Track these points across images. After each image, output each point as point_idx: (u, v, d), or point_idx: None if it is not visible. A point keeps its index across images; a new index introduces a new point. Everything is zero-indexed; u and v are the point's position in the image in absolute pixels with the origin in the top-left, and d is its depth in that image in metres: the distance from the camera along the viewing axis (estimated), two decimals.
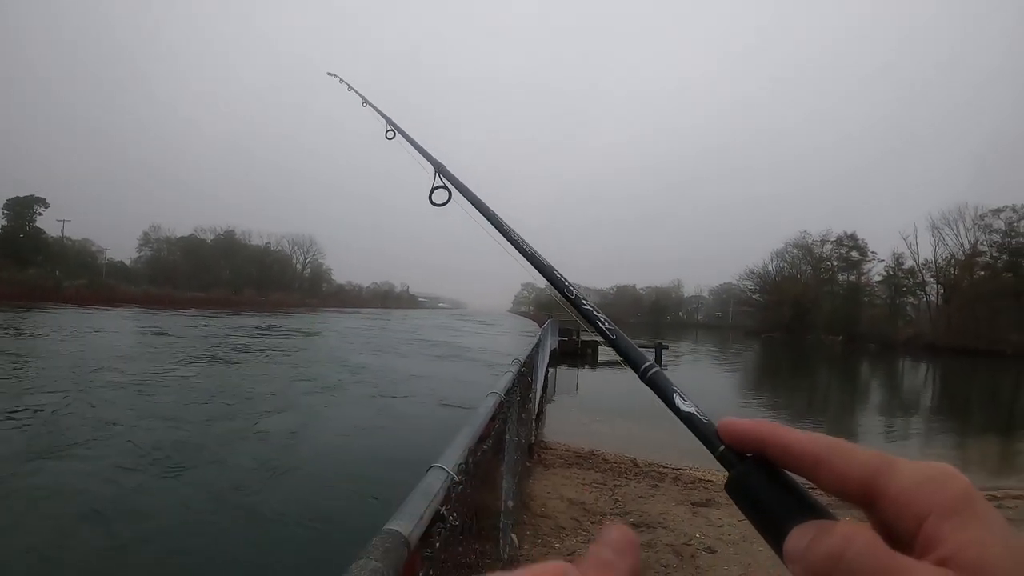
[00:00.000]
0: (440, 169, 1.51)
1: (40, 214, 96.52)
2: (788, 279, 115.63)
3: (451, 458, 2.16)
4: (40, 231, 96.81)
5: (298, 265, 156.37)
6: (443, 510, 1.98)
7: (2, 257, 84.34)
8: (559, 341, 34.58)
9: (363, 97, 2.56)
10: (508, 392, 4.89)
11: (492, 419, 3.68)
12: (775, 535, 0.47)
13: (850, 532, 0.39)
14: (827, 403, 29.55)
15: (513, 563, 5.01)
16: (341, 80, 2.96)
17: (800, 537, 0.42)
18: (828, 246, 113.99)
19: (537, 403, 13.33)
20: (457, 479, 2.14)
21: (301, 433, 13.66)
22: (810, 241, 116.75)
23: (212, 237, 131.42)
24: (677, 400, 0.57)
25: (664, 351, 39.59)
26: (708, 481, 10.05)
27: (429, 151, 1.72)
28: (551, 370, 23.27)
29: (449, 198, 1.48)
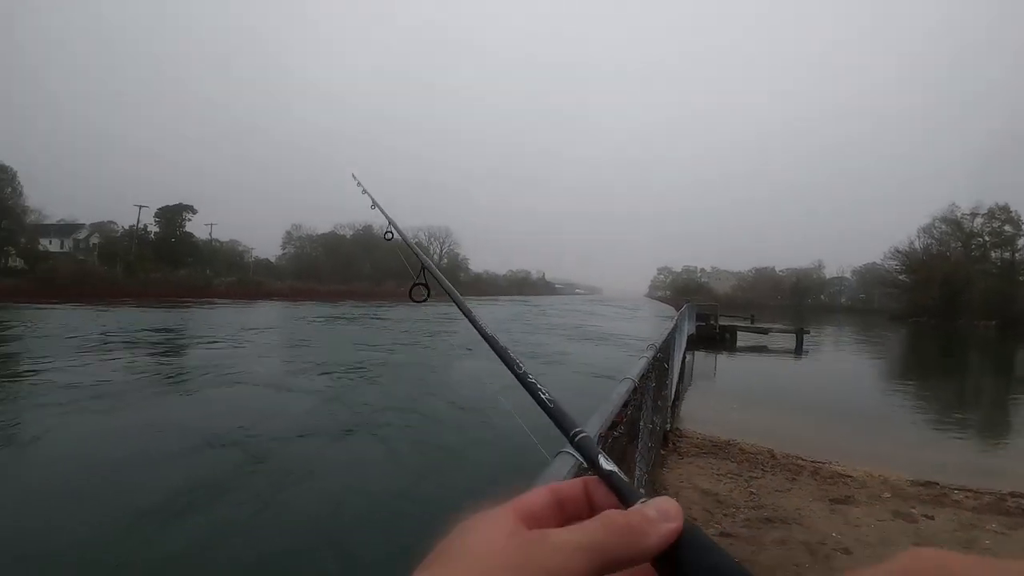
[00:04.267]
0: (428, 267, 1.63)
1: (189, 219, 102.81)
2: (936, 257, 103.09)
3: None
4: (190, 235, 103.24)
5: (435, 256, 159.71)
6: None
7: (157, 260, 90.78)
8: (697, 326, 34.09)
9: (373, 200, 2.69)
10: (643, 378, 4.84)
11: (625, 405, 3.71)
12: None
13: None
14: (979, 395, 27.06)
15: None
16: (358, 183, 3.08)
17: None
18: (979, 220, 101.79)
19: (673, 389, 13.24)
20: (585, 465, 2.21)
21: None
22: (959, 215, 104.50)
23: (351, 233, 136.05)
24: (601, 460, 0.66)
25: (805, 336, 38.03)
26: (848, 477, 9.74)
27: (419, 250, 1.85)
28: (688, 356, 22.97)
29: (426, 298, 1.62)
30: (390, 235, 2.28)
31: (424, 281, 1.66)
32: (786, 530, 6.91)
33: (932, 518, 7.82)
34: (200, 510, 8.50)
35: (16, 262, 74.29)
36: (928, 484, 9.57)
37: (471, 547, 0.44)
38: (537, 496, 0.52)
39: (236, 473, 10.12)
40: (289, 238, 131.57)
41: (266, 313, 54.42)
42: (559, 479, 1.94)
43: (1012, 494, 9.25)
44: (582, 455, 0.68)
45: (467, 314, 1.06)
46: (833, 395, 21.31)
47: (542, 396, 0.76)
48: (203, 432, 12.50)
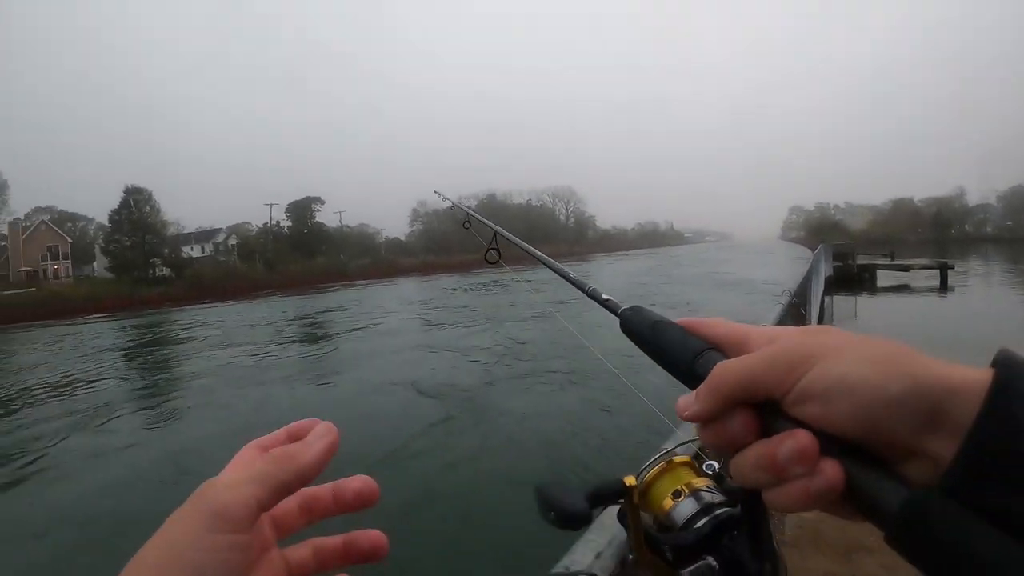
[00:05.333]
0: (497, 232, 1.95)
1: (318, 210, 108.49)
2: None
3: None
4: (321, 225, 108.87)
5: (561, 216, 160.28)
6: None
7: (293, 252, 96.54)
8: (833, 267, 32.84)
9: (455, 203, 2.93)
10: (778, 324, 4.83)
11: None
12: (670, 368, 0.59)
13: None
14: None
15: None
16: (444, 198, 3.33)
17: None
18: None
19: None
20: None
21: None
22: None
23: (475, 202, 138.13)
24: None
25: (950, 272, 35.52)
26: None
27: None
28: (827, 298, 22.41)
29: (498, 258, 1.99)
30: (468, 224, 2.56)
31: (496, 247, 1.98)
32: None
33: None
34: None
35: (163, 271, 79.85)
36: None
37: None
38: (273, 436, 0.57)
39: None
40: (415, 215, 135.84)
41: (408, 288, 57.65)
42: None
43: None
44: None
45: (556, 268, 1.15)
46: (985, 333, 20.37)
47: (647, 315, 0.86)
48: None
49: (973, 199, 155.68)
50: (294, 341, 27.89)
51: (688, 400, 0.51)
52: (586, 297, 0.83)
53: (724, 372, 0.49)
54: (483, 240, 2.07)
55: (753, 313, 20.00)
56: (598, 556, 2.68)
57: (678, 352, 0.56)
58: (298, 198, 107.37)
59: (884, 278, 36.58)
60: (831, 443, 0.43)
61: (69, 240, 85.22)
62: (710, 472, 0.85)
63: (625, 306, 0.69)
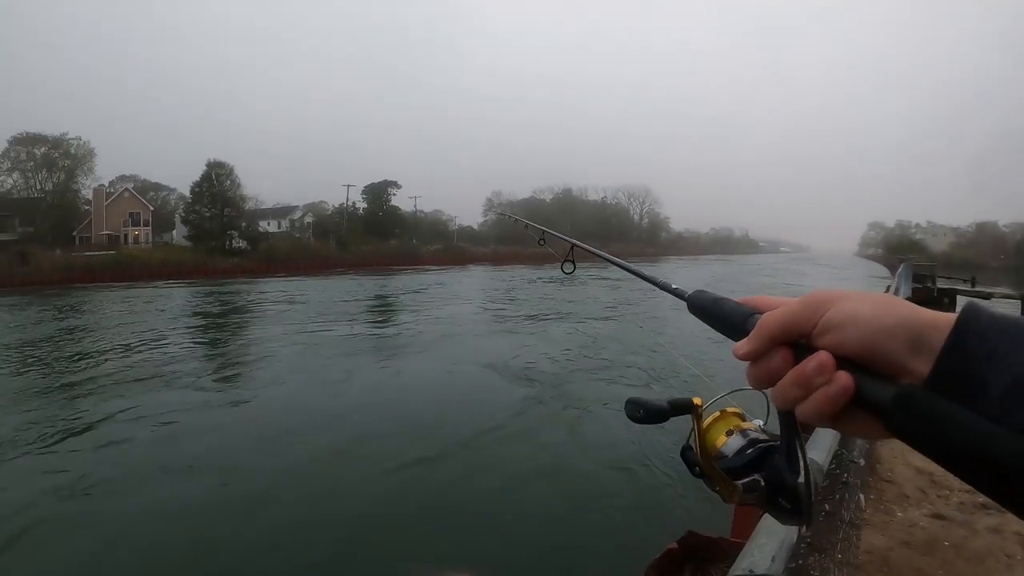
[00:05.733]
0: (575, 245, 2.16)
1: (394, 194, 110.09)
2: None
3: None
4: (396, 208, 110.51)
5: (635, 216, 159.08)
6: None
7: (367, 234, 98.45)
8: (912, 288, 32.07)
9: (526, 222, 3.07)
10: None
11: None
12: (728, 331, 0.78)
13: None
14: None
15: (854, 525, 5.27)
16: (516, 219, 3.45)
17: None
18: None
19: None
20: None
21: None
22: None
23: (550, 197, 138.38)
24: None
25: None
26: None
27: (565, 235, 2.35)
28: None
29: (573, 269, 2.23)
30: (542, 242, 2.68)
31: (572, 259, 2.14)
32: (1001, 518, 6.24)
33: None
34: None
35: (239, 243, 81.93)
36: None
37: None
38: None
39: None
40: (490, 204, 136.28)
41: (480, 276, 58.45)
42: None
43: None
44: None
45: (630, 269, 1.30)
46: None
47: (709, 295, 0.91)
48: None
49: None
50: (373, 318, 28.99)
51: (741, 343, 0.69)
52: (658, 289, 1.07)
53: (768, 319, 0.67)
54: (556, 252, 2.32)
55: None
56: (773, 559, 2.98)
57: (735, 317, 0.76)
58: (376, 181, 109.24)
59: (964, 304, 35.43)
60: (844, 362, 0.60)
61: (151, 208, 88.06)
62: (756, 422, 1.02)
63: (690, 291, 0.91)
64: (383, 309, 32.83)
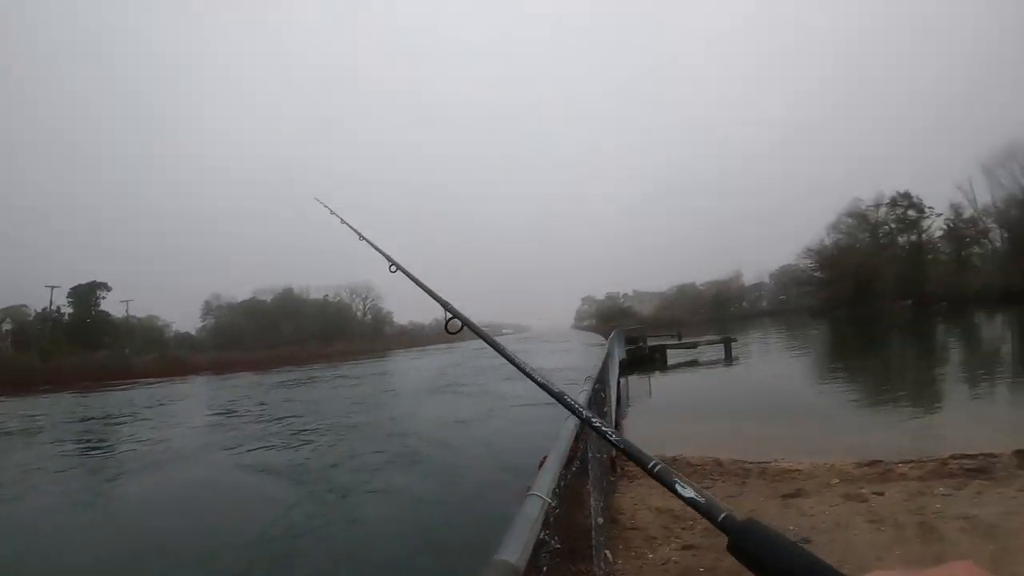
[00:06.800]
0: (447, 307, 1.81)
1: (104, 298, 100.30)
2: (846, 250, 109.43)
3: (544, 484, 2.26)
4: (106, 314, 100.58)
5: (358, 312, 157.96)
6: (544, 535, 2.10)
7: (72, 343, 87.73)
8: (627, 350, 34.57)
9: (357, 232, 2.63)
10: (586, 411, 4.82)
11: (575, 440, 3.74)
12: None
13: None
14: (903, 370, 28.75)
15: None
16: (332, 212, 2.97)
17: None
18: (883, 209, 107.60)
19: (613, 415, 13.38)
20: (553, 504, 2.27)
21: None
22: (863, 207, 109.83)
23: (271, 297, 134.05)
24: (678, 487, 0.76)
25: (733, 344, 39.33)
26: (795, 471, 9.98)
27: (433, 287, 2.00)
28: (622, 379, 23.18)
29: (461, 327, 1.81)
30: (394, 269, 2.48)
31: (453, 316, 2.00)
32: None
33: (882, 494, 8.11)
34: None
35: None
36: (873, 463, 9.94)
37: None
38: None
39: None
40: (208, 308, 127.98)
41: (205, 387, 54.23)
42: (532, 520, 1.96)
43: (952, 457, 9.78)
44: (662, 482, 0.75)
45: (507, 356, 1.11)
46: (768, 396, 21.84)
47: (610, 437, 0.85)
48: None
49: (749, 279, 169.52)
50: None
51: None
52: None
53: None
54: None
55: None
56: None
57: None
58: (83, 282, 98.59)
59: (674, 356, 38.58)
60: None
61: None
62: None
63: (734, 516, 0.81)
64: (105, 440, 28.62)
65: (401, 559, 9.74)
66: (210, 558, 10.11)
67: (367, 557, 9.82)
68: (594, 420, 0.82)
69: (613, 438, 0.83)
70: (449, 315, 2.01)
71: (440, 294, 2.07)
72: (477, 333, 1.57)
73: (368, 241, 2.52)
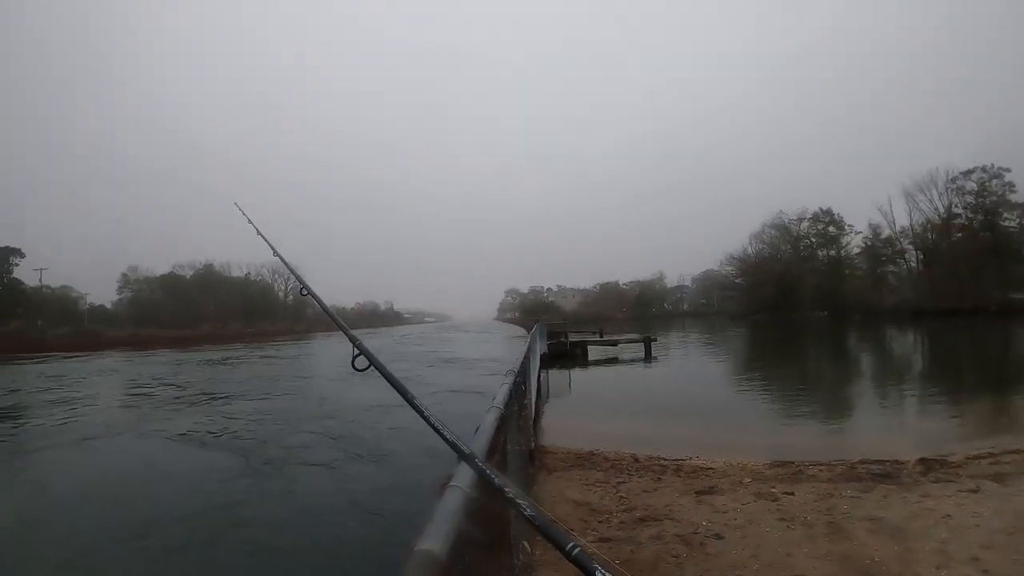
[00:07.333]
0: (356, 342, 1.82)
1: (17, 265, 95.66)
2: (768, 260, 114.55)
3: (465, 476, 2.26)
4: (19, 282, 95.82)
5: (280, 293, 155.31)
6: (464, 526, 2.09)
7: None
8: (548, 344, 34.73)
9: (272, 248, 2.56)
10: (507, 404, 4.92)
11: (496, 432, 3.75)
12: None
13: None
14: (818, 377, 29.57)
15: (527, 570, 5.22)
16: (250, 221, 2.85)
17: None
18: (805, 224, 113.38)
19: (533, 409, 13.44)
20: (473, 495, 2.27)
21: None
22: (787, 220, 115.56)
23: (191, 273, 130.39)
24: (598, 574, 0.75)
25: (653, 343, 39.73)
26: (709, 469, 10.20)
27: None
28: (543, 373, 23.29)
29: (368, 366, 1.81)
30: (304, 292, 2.36)
31: (360, 353, 2.07)
32: (659, 526, 7.18)
33: (792, 494, 8.32)
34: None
35: None
36: (784, 464, 10.26)
37: None
38: None
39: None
40: (126, 281, 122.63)
41: (127, 362, 52.06)
42: (453, 512, 1.95)
43: (861, 462, 10.16)
44: (581, 568, 0.73)
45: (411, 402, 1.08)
46: (685, 395, 22.28)
47: (526, 513, 0.84)
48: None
49: (671, 281, 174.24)
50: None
51: None
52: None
53: None
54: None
55: (484, 385, 20.27)
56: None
57: None
58: None
59: (595, 352, 38.94)
60: None
61: None
62: None
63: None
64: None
65: (338, 524, 9.89)
66: (156, 526, 9.96)
67: (306, 523, 10.00)
68: (507, 490, 0.76)
69: (527, 512, 0.80)
70: (356, 351, 2.04)
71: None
72: (380, 371, 1.55)
73: (281, 258, 2.48)
